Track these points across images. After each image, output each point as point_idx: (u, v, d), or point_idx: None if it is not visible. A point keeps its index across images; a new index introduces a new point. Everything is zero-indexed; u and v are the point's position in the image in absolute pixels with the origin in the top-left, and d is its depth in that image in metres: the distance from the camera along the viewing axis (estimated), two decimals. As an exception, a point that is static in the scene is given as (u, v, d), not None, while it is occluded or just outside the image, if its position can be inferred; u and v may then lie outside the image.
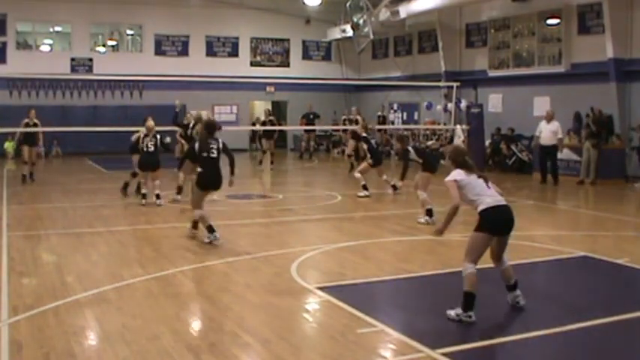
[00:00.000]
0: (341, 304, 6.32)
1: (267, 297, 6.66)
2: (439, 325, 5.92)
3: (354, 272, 7.71)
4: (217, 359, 5.02)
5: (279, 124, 28.77)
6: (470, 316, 5.76)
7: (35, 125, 16.55)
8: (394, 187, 13.76)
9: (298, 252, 8.62)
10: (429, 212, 10.77)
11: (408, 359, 5.03)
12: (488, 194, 5.97)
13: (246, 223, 11.15)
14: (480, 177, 6.06)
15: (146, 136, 12.61)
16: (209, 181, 9.19)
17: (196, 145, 9.27)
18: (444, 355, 5.00)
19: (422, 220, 10.81)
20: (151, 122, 12.81)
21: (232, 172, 9.35)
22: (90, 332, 5.65)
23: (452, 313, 5.84)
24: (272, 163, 20.60)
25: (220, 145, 9.20)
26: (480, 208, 5.91)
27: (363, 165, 14.29)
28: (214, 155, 9.14)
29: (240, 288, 7.02)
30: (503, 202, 6.00)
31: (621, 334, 5.68)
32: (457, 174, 6.07)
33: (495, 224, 5.90)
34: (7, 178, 17.49)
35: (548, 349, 5.39)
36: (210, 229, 8.99)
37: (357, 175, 14.03)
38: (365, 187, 13.77)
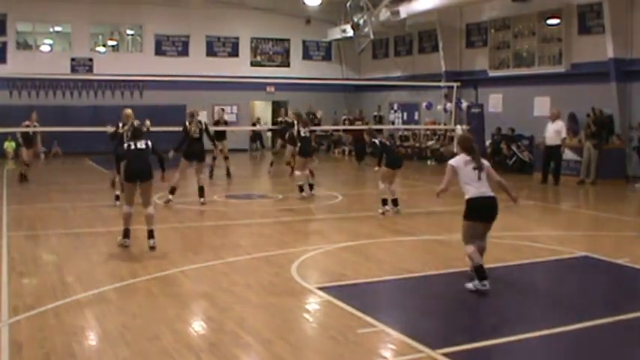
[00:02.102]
0: (341, 304, 6.32)
1: (268, 297, 6.66)
2: (439, 325, 5.93)
3: (354, 272, 7.70)
4: (217, 359, 5.02)
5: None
6: (484, 285, 6.67)
7: (34, 127, 16.40)
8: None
9: (298, 252, 8.62)
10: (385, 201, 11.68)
11: (408, 359, 5.03)
12: (474, 185, 6.78)
13: (246, 223, 11.15)
14: (475, 168, 6.81)
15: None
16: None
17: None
18: (444, 355, 5.00)
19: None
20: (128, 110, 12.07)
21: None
22: (90, 332, 5.65)
23: (470, 285, 6.76)
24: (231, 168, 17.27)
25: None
26: (465, 197, 6.83)
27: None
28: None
29: (241, 288, 7.02)
30: (487, 194, 6.79)
31: (621, 334, 5.68)
32: (455, 160, 6.97)
33: (476, 212, 6.79)
34: (7, 178, 17.49)
35: (548, 349, 5.39)
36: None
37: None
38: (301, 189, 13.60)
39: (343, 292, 6.71)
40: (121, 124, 12.33)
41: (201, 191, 12.57)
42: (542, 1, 19.36)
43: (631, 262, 8.09)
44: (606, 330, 5.72)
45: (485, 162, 6.98)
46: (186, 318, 6.14)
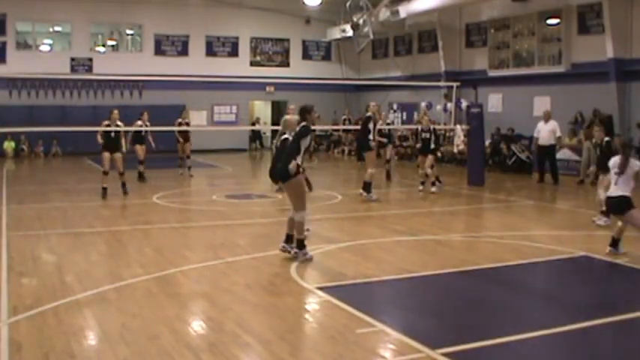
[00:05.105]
0: (341, 304, 6.32)
1: (267, 297, 6.66)
2: (439, 325, 5.92)
3: (354, 272, 7.70)
4: (217, 359, 5.02)
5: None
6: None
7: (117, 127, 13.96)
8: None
9: (298, 252, 8.60)
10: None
11: (408, 359, 5.03)
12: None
13: (246, 223, 11.14)
14: (616, 173, 8.14)
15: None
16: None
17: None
18: (444, 355, 5.00)
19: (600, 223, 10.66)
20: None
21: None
22: (90, 332, 5.65)
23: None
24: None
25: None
26: None
27: None
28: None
29: (240, 288, 7.02)
30: (610, 195, 8.26)
31: (621, 334, 5.68)
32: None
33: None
34: (7, 178, 17.48)
35: (548, 349, 5.39)
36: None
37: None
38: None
39: (343, 292, 6.70)
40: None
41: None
42: (542, 1, 19.37)
43: (630, 262, 8.10)
44: (606, 330, 5.72)
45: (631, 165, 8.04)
46: (185, 318, 6.13)
